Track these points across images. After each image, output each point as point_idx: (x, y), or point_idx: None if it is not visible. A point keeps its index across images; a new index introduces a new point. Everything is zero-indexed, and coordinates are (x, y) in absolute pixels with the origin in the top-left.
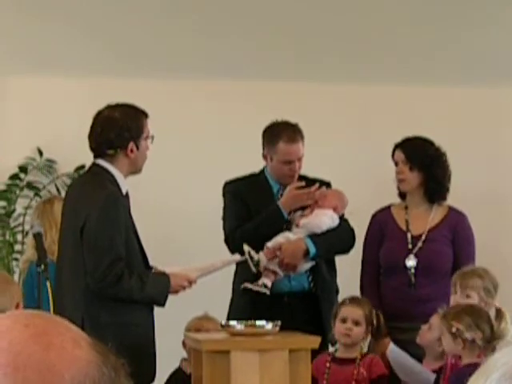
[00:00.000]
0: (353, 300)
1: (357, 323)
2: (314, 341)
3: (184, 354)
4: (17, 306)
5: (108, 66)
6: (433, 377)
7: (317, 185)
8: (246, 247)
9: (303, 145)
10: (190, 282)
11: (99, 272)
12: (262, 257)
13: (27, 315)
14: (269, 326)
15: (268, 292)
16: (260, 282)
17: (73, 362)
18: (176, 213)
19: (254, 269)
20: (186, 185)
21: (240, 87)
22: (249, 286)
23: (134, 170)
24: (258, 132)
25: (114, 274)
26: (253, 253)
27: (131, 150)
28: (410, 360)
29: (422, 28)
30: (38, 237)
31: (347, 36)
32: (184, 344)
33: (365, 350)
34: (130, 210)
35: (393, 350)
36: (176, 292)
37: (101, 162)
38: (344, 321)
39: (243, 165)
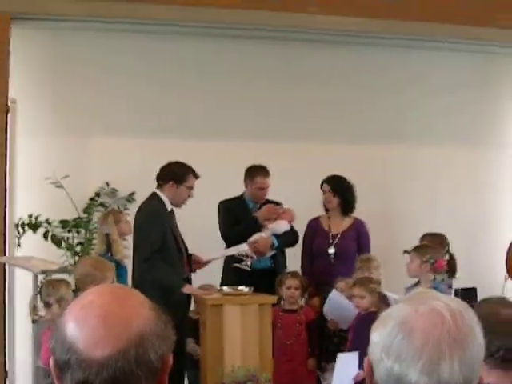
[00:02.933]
0: (292, 274)
1: (296, 288)
2: (273, 299)
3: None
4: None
5: (152, 131)
6: (356, 311)
7: (279, 206)
8: (244, 245)
9: (269, 179)
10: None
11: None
12: (246, 248)
13: (112, 287)
14: (246, 289)
15: (249, 268)
16: (243, 263)
17: (139, 317)
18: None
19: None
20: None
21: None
22: (237, 264)
23: (173, 201)
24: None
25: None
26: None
27: (171, 186)
28: (345, 300)
29: None
30: (107, 236)
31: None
32: (194, 300)
33: (301, 303)
34: (174, 220)
35: (334, 293)
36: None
37: (156, 190)
38: (289, 288)
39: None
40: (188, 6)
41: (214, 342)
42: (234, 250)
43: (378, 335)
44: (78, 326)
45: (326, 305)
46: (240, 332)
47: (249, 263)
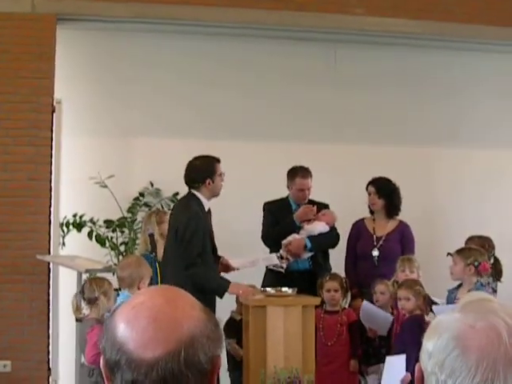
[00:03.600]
0: (331, 276)
1: (335, 290)
2: (317, 300)
3: (233, 308)
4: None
5: (195, 132)
6: (391, 319)
7: (314, 207)
8: (274, 256)
9: (311, 180)
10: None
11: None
12: (275, 260)
13: (163, 289)
14: (290, 290)
15: (283, 271)
16: (278, 265)
17: (189, 318)
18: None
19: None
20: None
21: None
22: (271, 267)
23: (213, 195)
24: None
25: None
26: (280, 253)
27: (208, 183)
28: (375, 308)
29: None
30: (151, 236)
31: None
32: (236, 301)
33: (343, 305)
34: (210, 219)
35: (365, 303)
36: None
37: (192, 190)
38: (328, 290)
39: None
40: (232, 7)
41: (256, 344)
42: (265, 262)
43: (431, 345)
44: (129, 327)
45: (360, 315)
46: (283, 333)
47: (284, 265)
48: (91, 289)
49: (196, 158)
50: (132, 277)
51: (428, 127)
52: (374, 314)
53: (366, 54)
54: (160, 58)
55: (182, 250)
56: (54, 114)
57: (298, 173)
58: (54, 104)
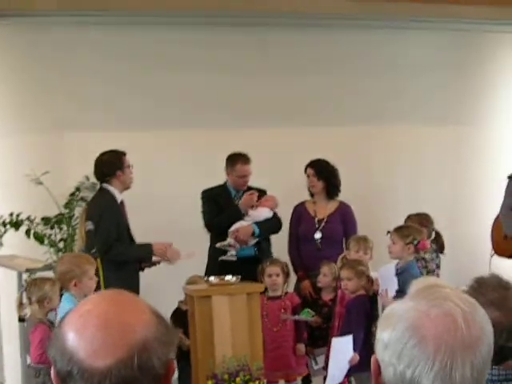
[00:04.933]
0: (271, 261)
1: (277, 275)
2: (261, 287)
3: (181, 298)
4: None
5: (126, 124)
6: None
7: (263, 193)
8: (229, 240)
9: (250, 166)
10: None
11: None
12: (229, 239)
13: (111, 294)
14: (233, 279)
15: (235, 259)
16: (229, 254)
17: (140, 322)
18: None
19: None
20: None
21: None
22: (223, 257)
23: (125, 187)
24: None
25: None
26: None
27: (119, 175)
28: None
29: None
30: (89, 232)
31: None
32: (183, 291)
33: (285, 289)
34: (124, 211)
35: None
36: (160, 253)
37: (104, 185)
38: (270, 276)
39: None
40: None
41: (203, 334)
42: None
43: (387, 336)
44: (78, 336)
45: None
46: (229, 322)
47: (234, 253)
48: (34, 289)
49: (103, 154)
50: (63, 276)
51: (361, 107)
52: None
53: (296, 38)
54: (84, 52)
55: (98, 239)
56: None
57: (238, 159)
58: None
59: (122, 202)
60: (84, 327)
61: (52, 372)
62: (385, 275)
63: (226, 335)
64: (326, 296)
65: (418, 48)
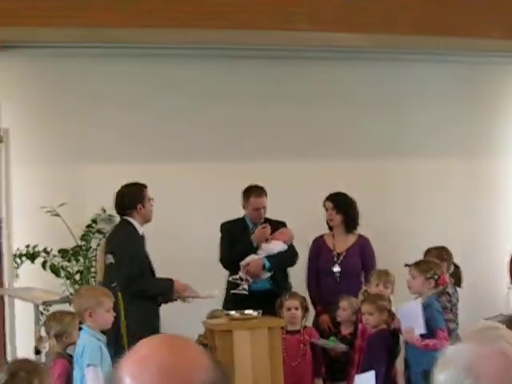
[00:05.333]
0: (291, 294)
1: (296, 309)
2: (282, 321)
3: (200, 332)
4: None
5: (144, 156)
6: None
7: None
8: (241, 273)
9: (266, 199)
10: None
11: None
12: (240, 272)
13: (167, 338)
14: (255, 313)
15: (246, 292)
16: (241, 287)
17: (199, 369)
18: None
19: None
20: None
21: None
22: (235, 291)
23: (146, 220)
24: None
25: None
26: (239, 275)
27: (140, 209)
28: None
29: None
30: (110, 265)
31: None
32: (204, 325)
33: (304, 324)
34: (145, 244)
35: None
36: (181, 290)
37: (125, 217)
38: (289, 309)
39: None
40: (175, 28)
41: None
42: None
43: (443, 377)
44: (135, 382)
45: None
46: (250, 357)
47: (246, 287)
48: (53, 323)
49: (124, 186)
50: (79, 307)
51: (372, 140)
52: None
53: (311, 70)
54: (105, 85)
55: (119, 274)
56: (2, 144)
57: (252, 192)
58: (1, 133)
59: (143, 235)
60: (141, 373)
61: None
62: (406, 313)
63: (246, 370)
64: (345, 330)
65: (431, 81)
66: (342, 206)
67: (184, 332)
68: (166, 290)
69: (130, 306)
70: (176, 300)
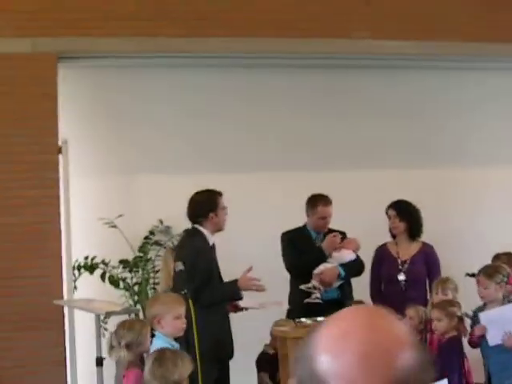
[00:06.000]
0: (357, 302)
1: None
2: None
3: (266, 341)
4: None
5: (202, 167)
6: None
7: (338, 234)
8: (313, 282)
9: (331, 207)
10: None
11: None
12: (313, 281)
13: (366, 312)
14: None
15: (320, 301)
16: (313, 296)
17: (403, 351)
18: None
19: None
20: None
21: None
22: (309, 300)
23: (217, 229)
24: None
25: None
26: (312, 283)
27: (212, 218)
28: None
29: None
30: (180, 272)
31: None
32: (271, 334)
33: None
34: (215, 254)
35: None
36: (246, 286)
37: (196, 226)
38: None
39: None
40: (235, 37)
41: None
42: (267, 305)
43: None
44: (333, 361)
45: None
46: None
47: (319, 295)
48: (124, 331)
49: (197, 193)
50: (149, 314)
51: (438, 148)
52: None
53: (372, 79)
54: (163, 94)
55: (189, 285)
56: (61, 155)
57: (320, 201)
58: (60, 144)
59: (213, 246)
60: (342, 353)
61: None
62: (496, 318)
63: None
64: None
65: (493, 87)
66: (405, 214)
67: (254, 339)
68: (233, 292)
69: (200, 314)
70: (246, 309)
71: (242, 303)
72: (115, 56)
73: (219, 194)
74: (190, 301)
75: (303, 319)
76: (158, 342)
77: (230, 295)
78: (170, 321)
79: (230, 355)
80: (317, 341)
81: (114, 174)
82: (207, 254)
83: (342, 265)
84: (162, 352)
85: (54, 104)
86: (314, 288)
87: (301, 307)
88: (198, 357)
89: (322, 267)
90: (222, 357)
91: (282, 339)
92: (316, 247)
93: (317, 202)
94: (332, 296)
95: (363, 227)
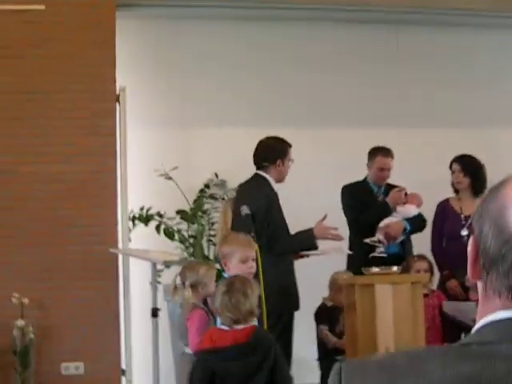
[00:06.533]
0: (419, 257)
1: (425, 271)
2: (426, 277)
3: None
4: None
5: (260, 120)
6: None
7: (403, 189)
8: (378, 236)
9: (392, 160)
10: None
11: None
12: (378, 235)
13: None
14: (395, 268)
15: (385, 255)
16: (378, 250)
17: None
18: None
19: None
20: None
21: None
22: (374, 254)
23: (279, 179)
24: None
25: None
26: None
27: (278, 165)
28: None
29: None
30: (246, 216)
31: None
32: (329, 287)
33: (432, 288)
34: (279, 201)
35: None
36: (322, 235)
37: (260, 172)
38: (418, 271)
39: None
40: None
41: (365, 324)
42: (329, 250)
43: None
44: None
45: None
46: (392, 312)
47: (383, 249)
48: (189, 273)
49: (269, 138)
50: (219, 256)
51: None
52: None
53: (427, 36)
54: (221, 46)
55: (262, 236)
56: (118, 103)
57: (379, 151)
58: (118, 92)
59: (276, 193)
60: None
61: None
62: None
63: (388, 325)
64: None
65: None
66: (470, 169)
67: (316, 287)
68: (308, 240)
69: (267, 262)
70: (308, 256)
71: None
72: (173, 5)
73: (289, 144)
74: (257, 246)
75: (372, 267)
76: None
77: (305, 244)
78: (236, 263)
79: (296, 306)
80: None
81: (170, 127)
82: (277, 201)
83: (407, 220)
84: (231, 283)
85: (112, 52)
86: (379, 242)
87: (361, 261)
88: (263, 307)
89: (387, 221)
90: (288, 308)
91: (349, 286)
92: (379, 201)
93: (376, 152)
94: (394, 251)
95: (422, 183)
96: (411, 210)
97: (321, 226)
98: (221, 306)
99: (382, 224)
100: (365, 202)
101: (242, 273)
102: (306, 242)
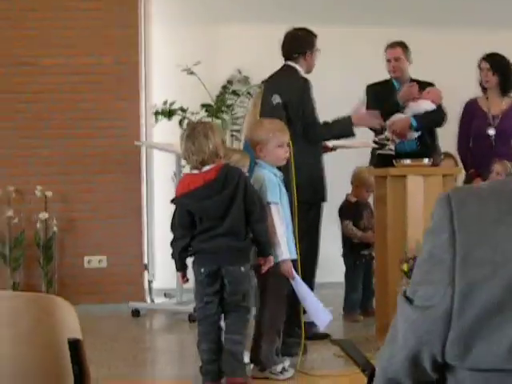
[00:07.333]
0: (446, 155)
1: None
2: (457, 170)
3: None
4: None
5: (284, 18)
6: None
7: (415, 84)
8: (386, 133)
9: (402, 51)
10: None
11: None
12: (386, 132)
13: None
14: (426, 160)
15: (393, 152)
16: (386, 147)
17: None
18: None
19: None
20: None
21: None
22: (381, 151)
23: (309, 70)
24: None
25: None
26: (385, 135)
27: (307, 56)
28: None
29: None
30: (278, 105)
31: None
32: (352, 183)
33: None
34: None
35: None
36: (362, 122)
37: (289, 62)
38: None
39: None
40: None
41: (395, 216)
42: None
43: None
44: None
45: None
46: (423, 204)
47: (392, 147)
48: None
49: (297, 29)
50: (252, 142)
51: None
52: None
53: None
54: None
55: (297, 117)
56: None
57: (387, 45)
58: None
59: (309, 83)
60: None
61: None
62: None
63: (418, 217)
64: None
65: None
66: (499, 67)
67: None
68: (346, 126)
69: (297, 150)
70: (335, 149)
71: (330, 142)
72: None
73: (315, 35)
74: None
75: (404, 160)
76: (262, 171)
77: (344, 131)
78: (273, 149)
79: (323, 197)
80: None
81: (193, 23)
82: (311, 89)
83: (417, 115)
84: (192, 128)
85: None
86: (387, 139)
87: (378, 159)
88: (294, 197)
89: (394, 118)
90: (317, 199)
91: (380, 178)
92: (393, 99)
93: (386, 46)
94: (411, 148)
95: (451, 82)
96: (422, 105)
97: (361, 113)
98: (186, 151)
99: (388, 121)
100: (384, 100)
101: (279, 158)
102: (345, 128)
